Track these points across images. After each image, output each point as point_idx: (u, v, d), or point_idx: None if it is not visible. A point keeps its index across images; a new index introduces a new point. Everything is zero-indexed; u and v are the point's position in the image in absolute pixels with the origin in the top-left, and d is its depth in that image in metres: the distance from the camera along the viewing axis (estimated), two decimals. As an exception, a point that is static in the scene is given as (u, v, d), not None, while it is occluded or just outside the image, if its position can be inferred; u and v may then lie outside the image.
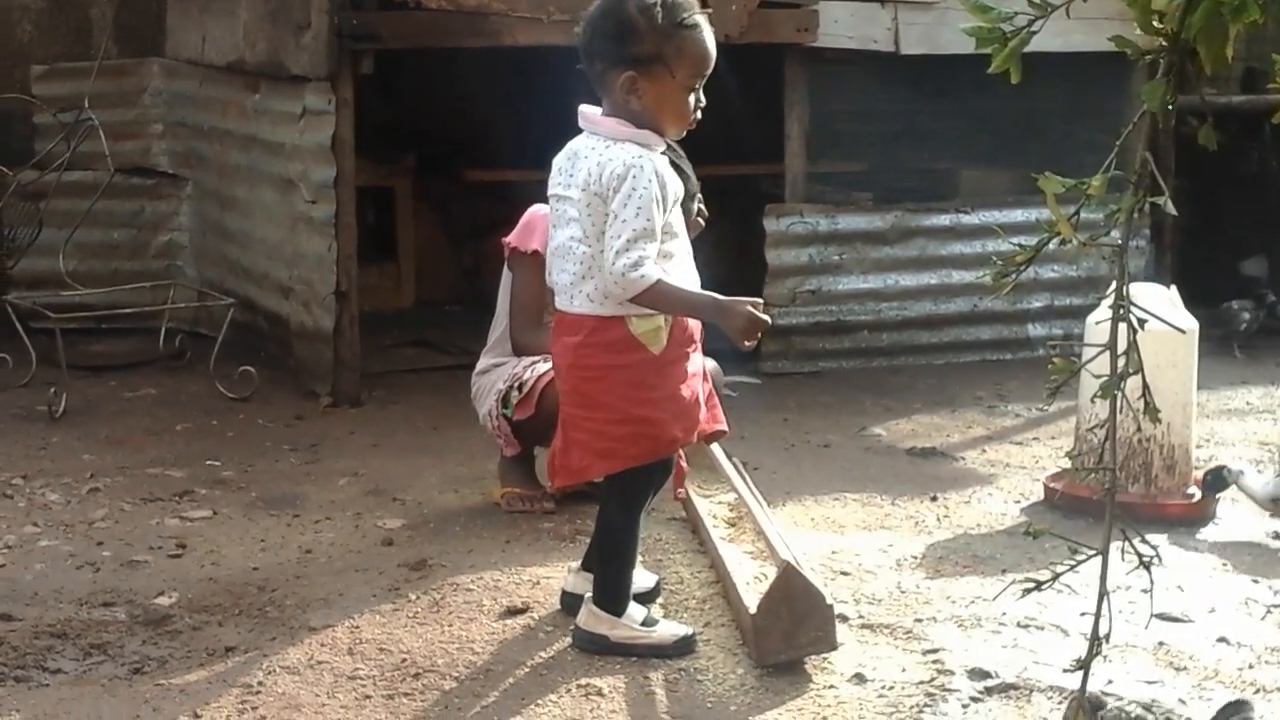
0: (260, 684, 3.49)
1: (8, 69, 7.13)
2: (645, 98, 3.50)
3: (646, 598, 3.86)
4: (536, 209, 4.61)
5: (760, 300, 3.53)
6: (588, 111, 3.60)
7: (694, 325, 3.64)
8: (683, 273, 3.59)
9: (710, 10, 3.64)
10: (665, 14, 3.49)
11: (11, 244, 6.88)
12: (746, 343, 3.52)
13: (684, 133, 3.61)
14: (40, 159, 6.87)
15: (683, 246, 3.62)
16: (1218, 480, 4.66)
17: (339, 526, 4.61)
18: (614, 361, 3.54)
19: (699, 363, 3.68)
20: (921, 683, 3.49)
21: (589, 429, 3.60)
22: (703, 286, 3.71)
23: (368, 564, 4.24)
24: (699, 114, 3.56)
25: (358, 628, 3.77)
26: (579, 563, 3.91)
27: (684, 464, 4.01)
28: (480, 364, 4.80)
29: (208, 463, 5.27)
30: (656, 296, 3.46)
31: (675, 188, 3.55)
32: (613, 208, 3.45)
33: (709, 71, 3.56)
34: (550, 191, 3.65)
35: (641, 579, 3.89)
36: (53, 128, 6.87)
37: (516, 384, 4.57)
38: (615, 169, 3.47)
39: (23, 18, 7.20)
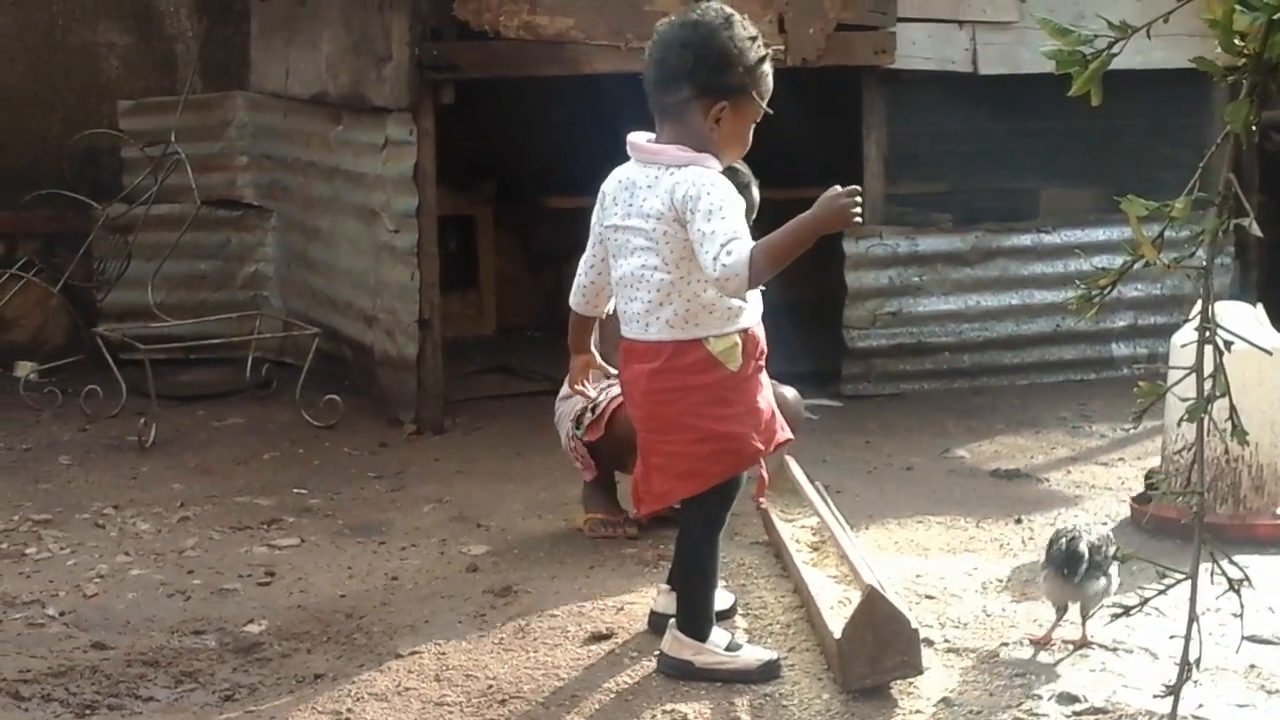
0: (349, 710, 3.52)
1: (95, 104, 7.26)
2: (725, 126, 3.58)
3: (722, 617, 3.86)
4: None
5: (835, 186, 3.48)
6: (640, 140, 3.64)
7: (762, 338, 3.67)
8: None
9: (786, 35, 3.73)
10: (755, 47, 3.59)
11: (101, 277, 7.01)
12: (856, 220, 3.49)
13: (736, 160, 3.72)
14: (128, 193, 7.00)
15: None
16: None
17: (424, 553, 4.64)
18: (692, 382, 3.56)
19: (765, 375, 3.72)
20: (1009, 707, 3.47)
21: (668, 452, 3.62)
22: (782, 309, 3.75)
23: (453, 590, 4.27)
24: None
25: (444, 654, 3.80)
26: (666, 583, 3.92)
27: (765, 474, 4.05)
28: (563, 390, 4.82)
29: (295, 491, 5.33)
30: (762, 262, 3.43)
31: (743, 204, 3.59)
32: (697, 227, 3.47)
33: None
34: (606, 223, 3.67)
35: (718, 599, 3.89)
36: (140, 162, 7.00)
37: (590, 405, 4.59)
38: (687, 191, 3.50)
39: (109, 54, 7.33)
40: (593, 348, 3.98)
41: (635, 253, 3.59)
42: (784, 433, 3.75)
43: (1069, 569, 3.65)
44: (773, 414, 3.69)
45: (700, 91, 3.55)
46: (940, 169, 7.04)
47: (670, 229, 3.53)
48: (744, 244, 3.43)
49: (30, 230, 7.08)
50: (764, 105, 3.61)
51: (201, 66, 7.26)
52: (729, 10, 3.63)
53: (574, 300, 3.84)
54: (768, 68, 3.61)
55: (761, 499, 4.38)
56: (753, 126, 3.64)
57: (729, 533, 4.14)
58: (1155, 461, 5.03)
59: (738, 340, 3.58)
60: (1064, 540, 3.70)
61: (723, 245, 3.42)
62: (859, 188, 3.50)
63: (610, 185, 3.67)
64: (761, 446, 3.65)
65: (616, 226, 3.63)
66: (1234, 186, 2.56)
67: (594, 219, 3.72)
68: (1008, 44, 6.59)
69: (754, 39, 3.60)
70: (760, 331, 3.67)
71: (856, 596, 3.71)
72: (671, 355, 3.57)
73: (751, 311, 3.64)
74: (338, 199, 6.58)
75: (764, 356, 3.68)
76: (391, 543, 4.75)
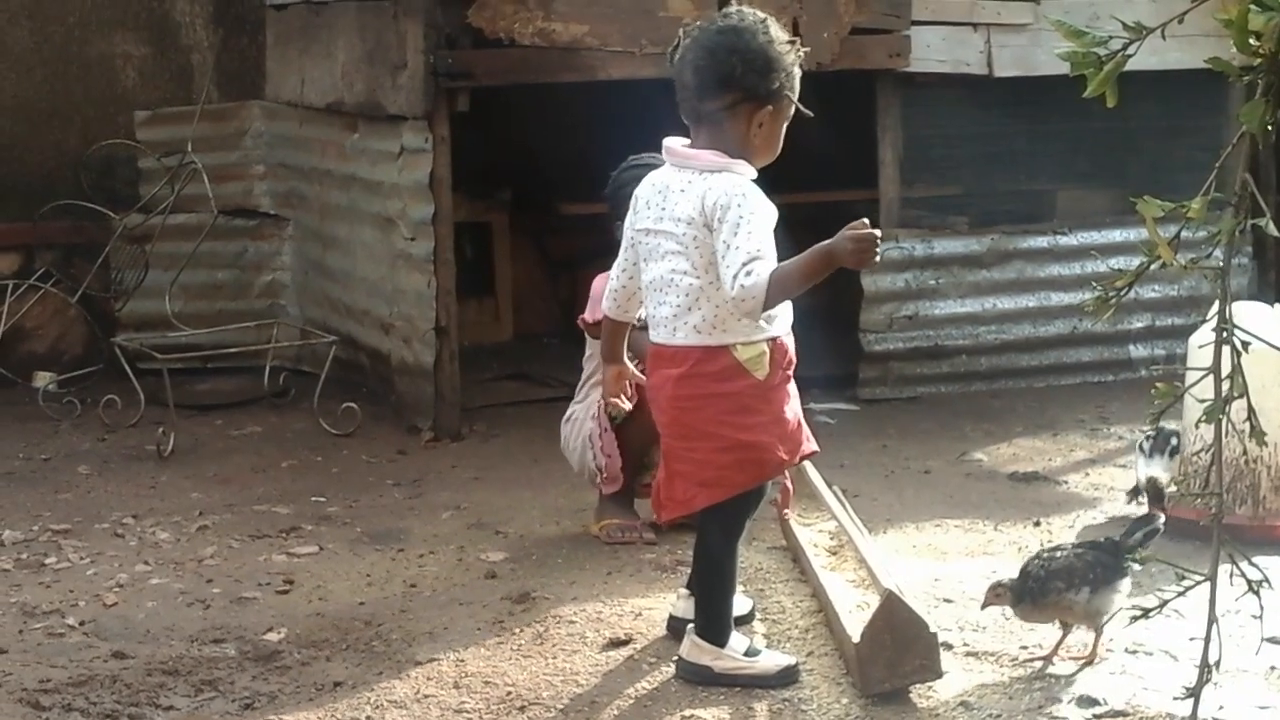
0: (368, 718, 3.53)
1: (112, 115, 7.27)
2: (765, 129, 3.57)
3: (740, 622, 3.86)
4: (602, 279, 4.60)
5: (859, 220, 3.44)
6: (675, 145, 3.62)
7: (791, 347, 3.65)
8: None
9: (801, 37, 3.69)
10: (791, 50, 3.56)
11: (119, 287, 7.03)
12: (875, 261, 3.44)
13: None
14: (145, 203, 7.02)
15: None
16: None
17: (443, 560, 4.65)
18: (718, 390, 3.55)
19: (793, 385, 3.69)
20: (1028, 711, 3.47)
21: (693, 459, 3.61)
22: (799, 314, 3.72)
23: (472, 597, 4.28)
24: None
25: (463, 661, 3.81)
26: (685, 588, 3.92)
27: (789, 484, 4.03)
28: (568, 410, 4.84)
29: (313, 499, 5.33)
30: (778, 289, 3.42)
31: (773, 211, 3.57)
32: (723, 239, 3.46)
33: None
34: (638, 226, 3.66)
35: (736, 604, 3.89)
36: (157, 172, 7.02)
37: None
38: (717, 198, 3.49)
39: (126, 65, 7.35)
40: (626, 359, 3.94)
41: (665, 257, 3.58)
42: (809, 444, 3.72)
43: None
44: (799, 425, 3.67)
45: (745, 97, 3.53)
46: (956, 171, 7.03)
47: (700, 234, 3.52)
48: (765, 265, 3.41)
49: (48, 241, 7.10)
50: (798, 106, 3.59)
51: (217, 76, 7.28)
52: (762, 14, 3.61)
53: (606, 305, 3.83)
54: (799, 69, 3.60)
55: (786, 511, 4.36)
56: (784, 129, 3.63)
57: (747, 537, 4.14)
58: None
59: (765, 349, 3.56)
60: (1120, 558, 3.65)
61: (744, 264, 3.41)
62: (879, 231, 3.44)
63: (644, 189, 3.66)
64: (785, 457, 3.63)
65: (648, 230, 3.62)
66: (1250, 186, 2.56)
67: (627, 223, 3.71)
68: (1022, 46, 6.59)
69: (791, 42, 3.58)
70: (790, 341, 3.64)
71: (875, 601, 3.71)
72: (698, 361, 3.56)
73: (781, 321, 3.61)
74: (354, 207, 6.60)
75: (792, 366, 3.66)
76: (410, 550, 4.75)
